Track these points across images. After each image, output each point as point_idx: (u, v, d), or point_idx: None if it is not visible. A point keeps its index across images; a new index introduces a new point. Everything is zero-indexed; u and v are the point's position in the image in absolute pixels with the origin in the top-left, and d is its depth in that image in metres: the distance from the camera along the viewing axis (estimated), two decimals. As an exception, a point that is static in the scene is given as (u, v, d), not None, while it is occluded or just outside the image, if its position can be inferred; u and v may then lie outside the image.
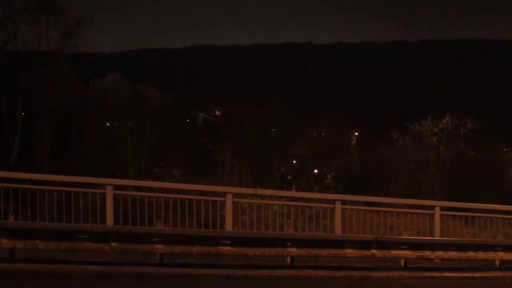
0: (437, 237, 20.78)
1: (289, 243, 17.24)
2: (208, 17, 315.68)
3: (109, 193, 17.43)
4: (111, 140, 44.98)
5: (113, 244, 15.45)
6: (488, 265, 20.08)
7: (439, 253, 19.18)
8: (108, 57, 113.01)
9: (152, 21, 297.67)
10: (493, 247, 20.05)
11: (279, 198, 21.46)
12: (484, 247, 19.94)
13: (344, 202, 20.50)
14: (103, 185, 17.77)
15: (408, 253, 18.69)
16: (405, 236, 19.33)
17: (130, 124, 47.41)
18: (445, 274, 18.53)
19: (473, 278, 18.75)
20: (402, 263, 18.80)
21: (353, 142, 66.50)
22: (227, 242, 16.61)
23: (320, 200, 21.60)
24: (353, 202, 21.44)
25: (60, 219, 17.02)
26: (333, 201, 20.24)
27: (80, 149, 41.78)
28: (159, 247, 15.95)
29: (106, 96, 51.98)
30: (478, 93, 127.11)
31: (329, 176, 30.67)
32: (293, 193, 25.18)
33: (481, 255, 19.80)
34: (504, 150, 65.51)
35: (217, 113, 77.07)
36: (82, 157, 40.62)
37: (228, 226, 18.48)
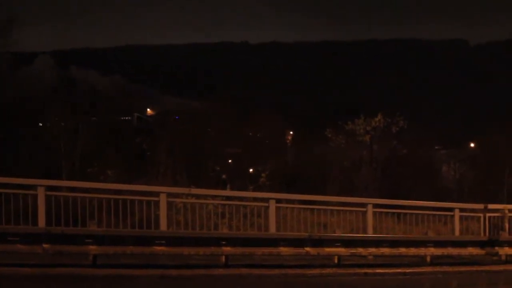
0: (369, 234, 21.11)
1: (223, 242, 17.30)
2: (141, 16, 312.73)
3: (41, 194, 17.19)
4: (41, 137, 43.94)
5: (45, 245, 15.25)
6: (420, 261, 20.50)
7: (372, 250, 19.51)
8: (40, 55, 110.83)
9: (84, 20, 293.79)
10: (424, 243, 20.50)
11: (213, 197, 21.45)
12: (416, 243, 20.37)
13: (278, 200, 20.65)
14: (34, 186, 17.49)
15: (342, 250, 18.95)
16: (338, 234, 19.57)
17: (63, 124, 46.45)
18: (378, 271, 18.84)
19: (405, 274, 19.11)
20: (336, 260, 19.06)
21: (288, 141, 66.73)
22: (162, 242, 16.58)
23: (255, 199, 21.66)
24: (287, 201, 21.59)
25: (-10, 222, 16.69)
26: (267, 200, 20.37)
27: (10, 148, 40.83)
28: (92, 248, 15.83)
29: (37, 83, 50.33)
30: (409, 92, 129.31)
31: (263, 175, 30.64)
32: (227, 192, 25.26)
33: (412, 251, 20.22)
34: (436, 148, 66.65)
35: (151, 112, 76.55)
36: (12, 156, 39.71)
37: (163, 226, 18.42)
